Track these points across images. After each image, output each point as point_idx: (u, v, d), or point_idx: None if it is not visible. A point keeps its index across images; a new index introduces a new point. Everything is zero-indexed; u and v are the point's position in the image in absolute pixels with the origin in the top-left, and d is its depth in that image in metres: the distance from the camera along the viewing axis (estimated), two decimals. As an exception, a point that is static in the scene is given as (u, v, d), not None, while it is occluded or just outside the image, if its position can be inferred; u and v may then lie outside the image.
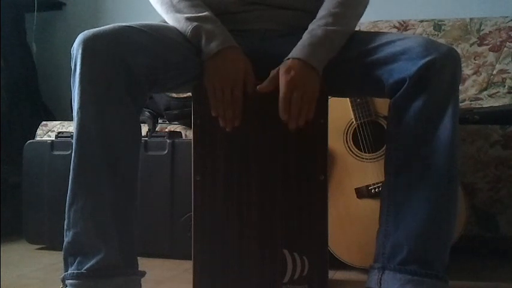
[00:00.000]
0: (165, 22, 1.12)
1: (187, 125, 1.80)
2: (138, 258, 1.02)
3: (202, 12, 1.07)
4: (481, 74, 1.96)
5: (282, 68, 1.02)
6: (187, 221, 1.55)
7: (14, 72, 2.39)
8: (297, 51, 1.03)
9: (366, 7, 1.15)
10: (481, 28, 2.03)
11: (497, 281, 1.39)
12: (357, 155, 1.44)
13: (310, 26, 1.07)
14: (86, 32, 0.95)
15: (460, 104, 1.77)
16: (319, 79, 1.03)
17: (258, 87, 1.03)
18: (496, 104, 1.78)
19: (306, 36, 1.05)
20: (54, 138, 1.81)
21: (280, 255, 1.11)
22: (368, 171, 1.42)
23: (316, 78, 1.02)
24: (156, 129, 1.81)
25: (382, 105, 1.43)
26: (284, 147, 1.10)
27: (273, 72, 1.03)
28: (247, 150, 1.11)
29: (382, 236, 1.02)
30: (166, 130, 1.79)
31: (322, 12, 1.09)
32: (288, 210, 1.11)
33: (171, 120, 1.85)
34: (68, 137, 1.77)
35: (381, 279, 1.00)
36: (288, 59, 1.02)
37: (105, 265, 0.93)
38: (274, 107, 1.02)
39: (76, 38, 0.95)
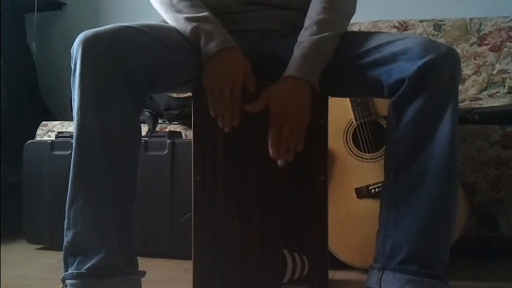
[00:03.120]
0: (165, 22, 1.12)
1: (187, 125, 1.80)
2: (138, 258, 1.02)
3: (202, 13, 1.07)
4: (481, 74, 1.96)
5: (271, 95, 1.02)
6: (187, 221, 1.55)
7: (14, 72, 2.39)
8: (289, 68, 1.03)
9: (355, 4, 1.14)
10: (481, 28, 2.03)
11: (497, 281, 1.39)
12: (357, 155, 1.44)
13: (298, 39, 1.07)
14: (85, 32, 0.95)
15: (460, 104, 1.78)
16: (312, 93, 1.03)
17: (244, 106, 1.03)
18: (496, 104, 1.78)
19: (295, 50, 1.05)
20: (54, 138, 1.81)
21: (280, 255, 1.11)
22: (368, 171, 1.42)
23: (308, 94, 1.03)
24: (156, 129, 1.81)
25: (382, 105, 1.43)
26: (284, 147, 1.10)
27: (263, 94, 1.03)
28: (247, 150, 1.11)
29: (382, 236, 1.02)
30: (166, 130, 1.79)
31: (307, 21, 1.09)
32: (288, 211, 1.11)
33: (171, 120, 1.85)
34: (68, 137, 1.77)
35: (380, 279, 1.00)
36: (284, 77, 1.03)
37: (105, 265, 0.93)
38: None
39: (76, 38, 0.95)
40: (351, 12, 1.14)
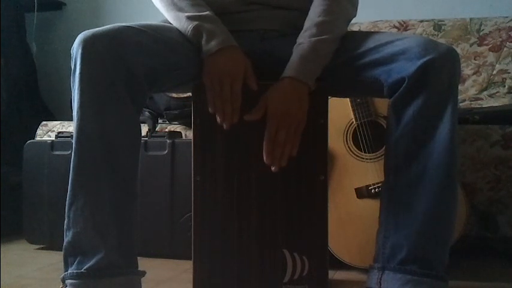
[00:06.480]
0: (166, 22, 1.12)
1: (187, 125, 1.80)
2: (138, 258, 1.02)
3: (203, 12, 1.07)
4: (481, 74, 1.96)
5: (270, 96, 1.02)
6: (187, 221, 1.55)
7: (14, 72, 2.39)
8: (287, 69, 1.04)
9: (356, 7, 1.14)
10: (481, 28, 2.03)
11: (497, 281, 1.39)
12: (357, 155, 1.44)
13: (297, 40, 1.07)
14: (85, 32, 0.95)
15: (460, 104, 1.78)
16: (308, 95, 1.03)
17: (244, 116, 1.03)
18: (496, 104, 1.78)
19: (294, 51, 1.05)
20: (54, 138, 1.81)
21: (280, 255, 1.11)
22: (368, 171, 1.42)
23: (306, 96, 1.03)
24: (156, 129, 1.81)
25: (382, 105, 1.43)
26: (284, 147, 1.10)
27: (261, 99, 1.03)
28: (247, 150, 1.11)
29: (382, 236, 1.02)
30: (166, 130, 1.79)
31: (307, 23, 1.09)
32: (288, 210, 1.11)
33: (171, 120, 1.85)
34: (68, 137, 1.77)
35: (380, 279, 1.00)
36: (282, 78, 1.03)
37: (105, 265, 0.93)
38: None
39: (76, 38, 0.95)
40: (352, 15, 1.13)
